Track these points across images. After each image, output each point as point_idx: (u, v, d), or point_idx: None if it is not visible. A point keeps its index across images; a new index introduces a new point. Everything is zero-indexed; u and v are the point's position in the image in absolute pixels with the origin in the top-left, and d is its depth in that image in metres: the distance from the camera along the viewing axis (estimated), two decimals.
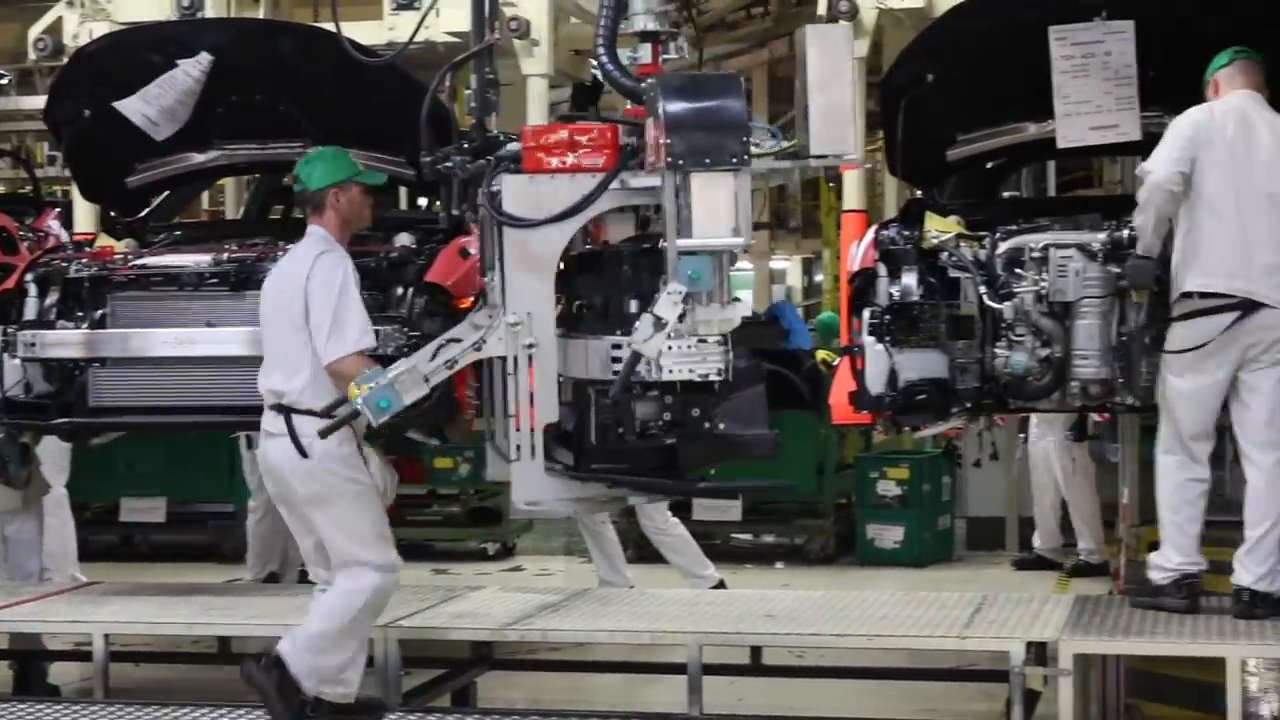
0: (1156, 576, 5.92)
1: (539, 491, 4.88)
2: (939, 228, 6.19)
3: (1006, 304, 6.02)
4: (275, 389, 5.43)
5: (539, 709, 6.10)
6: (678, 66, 4.96)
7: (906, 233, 6.23)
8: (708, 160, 4.47)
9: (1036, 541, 9.74)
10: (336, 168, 5.54)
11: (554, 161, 4.72)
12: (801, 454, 10.21)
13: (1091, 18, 6.08)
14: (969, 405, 6.13)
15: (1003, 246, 6.12)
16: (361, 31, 7.01)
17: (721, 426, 4.79)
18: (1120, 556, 7.43)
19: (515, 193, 4.79)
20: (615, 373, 4.68)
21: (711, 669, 5.91)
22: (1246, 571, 5.81)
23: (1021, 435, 9.41)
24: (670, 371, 4.66)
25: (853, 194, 6.57)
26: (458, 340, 4.95)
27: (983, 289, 6.04)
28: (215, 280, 6.44)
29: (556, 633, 6.06)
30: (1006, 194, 7.75)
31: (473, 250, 6.10)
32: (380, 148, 6.55)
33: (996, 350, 6.03)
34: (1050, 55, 6.07)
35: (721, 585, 7.96)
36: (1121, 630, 5.61)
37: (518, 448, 4.85)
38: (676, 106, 4.49)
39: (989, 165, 6.90)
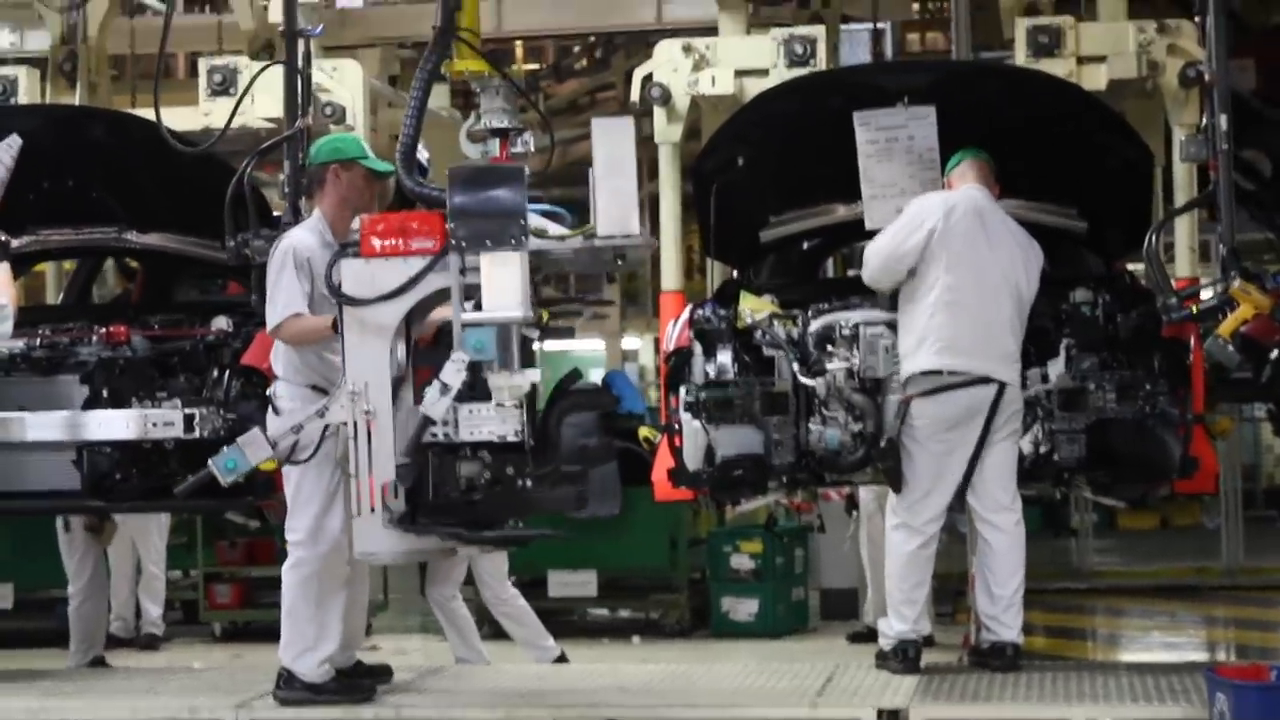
0: (883, 643, 6.18)
1: (376, 544, 5.27)
2: (753, 307, 6.32)
3: (819, 380, 6.16)
4: None
5: None
6: (523, 157, 5.38)
7: (721, 312, 6.34)
8: (488, 242, 4.96)
9: (868, 614, 9.81)
10: (343, 147, 5.83)
11: (386, 244, 5.18)
12: (655, 528, 10.24)
13: (894, 103, 6.26)
14: (785, 480, 6.21)
15: (815, 324, 6.29)
16: (177, 117, 7.00)
17: (528, 484, 5.20)
18: (970, 625, 7.54)
19: (353, 275, 5.22)
20: (431, 435, 5.14)
21: None
22: (1007, 628, 6.09)
23: (853, 511, 9.51)
24: (471, 433, 5.13)
25: (670, 274, 6.71)
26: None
27: (796, 366, 6.16)
28: (25, 366, 6.42)
29: (411, 710, 6.00)
30: (831, 275, 7.91)
31: None
32: (196, 233, 6.56)
33: (811, 426, 6.16)
34: (856, 140, 6.22)
35: (563, 658, 7.95)
36: (970, 696, 5.72)
37: (357, 505, 5.23)
38: (461, 195, 4.98)
39: (805, 246, 7.03)
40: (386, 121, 8.09)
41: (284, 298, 5.66)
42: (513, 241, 4.98)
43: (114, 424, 6.26)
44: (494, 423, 5.13)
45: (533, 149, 5.37)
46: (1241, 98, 5.97)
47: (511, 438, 5.13)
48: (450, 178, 5.00)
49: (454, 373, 5.04)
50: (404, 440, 5.24)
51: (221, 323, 6.45)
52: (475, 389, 5.19)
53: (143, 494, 6.45)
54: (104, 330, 6.43)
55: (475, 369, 5.09)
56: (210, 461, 5.32)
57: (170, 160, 6.26)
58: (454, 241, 4.96)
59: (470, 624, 7.90)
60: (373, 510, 5.21)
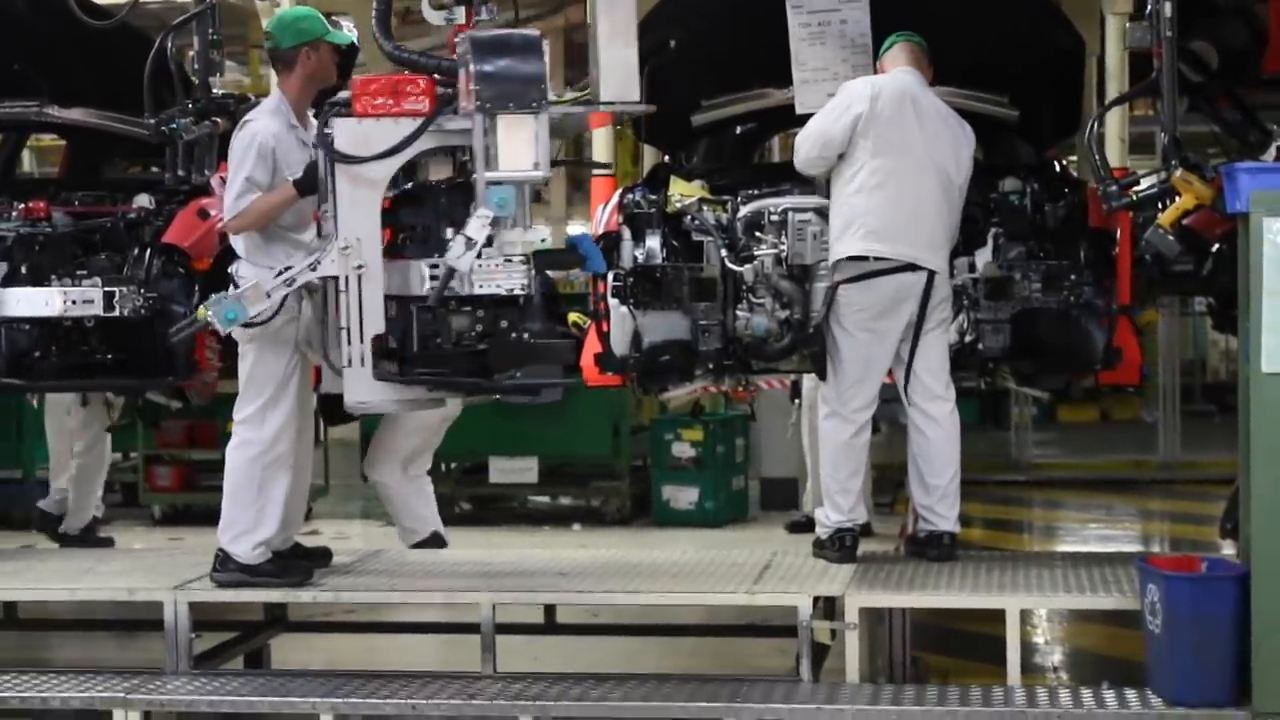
0: (819, 532, 6.21)
1: (368, 394, 5.43)
2: (683, 192, 6.28)
3: (747, 267, 6.13)
4: None
5: (332, 670, 6.06)
6: (488, 24, 5.41)
7: (651, 197, 6.28)
8: (511, 105, 5.13)
9: (806, 503, 9.88)
10: (309, 27, 5.83)
11: (379, 104, 5.32)
12: (597, 416, 10.29)
13: None
14: (711, 367, 6.21)
15: (743, 210, 6.25)
16: None
17: (526, 336, 5.40)
18: (909, 514, 7.59)
19: (347, 134, 5.34)
20: (431, 289, 5.32)
21: (505, 628, 5.96)
22: (943, 519, 6.11)
23: (796, 400, 9.53)
24: (480, 286, 5.30)
25: (601, 157, 6.63)
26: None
27: (724, 252, 6.13)
28: None
29: (350, 594, 6.06)
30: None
31: (213, 211, 6.11)
32: (117, 107, 6.45)
33: (738, 313, 6.14)
34: (788, 23, 6.15)
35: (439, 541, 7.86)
36: (906, 584, 5.76)
37: (349, 357, 5.36)
38: (485, 59, 5.14)
39: (738, 131, 6.97)
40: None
41: (240, 187, 5.63)
42: (534, 105, 5.15)
43: (33, 301, 6.23)
44: (502, 276, 5.28)
45: (495, 18, 5.45)
46: None
47: (518, 291, 5.31)
48: (472, 43, 5.15)
49: (479, 228, 5.20)
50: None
51: (143, 200, 6.40)
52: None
53: (62, 372, 6.43)
54: (23, 206, 6.35)
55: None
56: (207, 310, 5.34)
57: (92, 34, 6.15)
58: (480, 103, 5.13)
59: (431, 502, 7.80)
60: (363, 363, 5.35)
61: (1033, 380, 6.52)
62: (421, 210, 5.57)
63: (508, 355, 5.38)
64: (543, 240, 5.35)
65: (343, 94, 5.40)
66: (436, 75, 5.34)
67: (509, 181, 5.20)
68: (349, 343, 5.36)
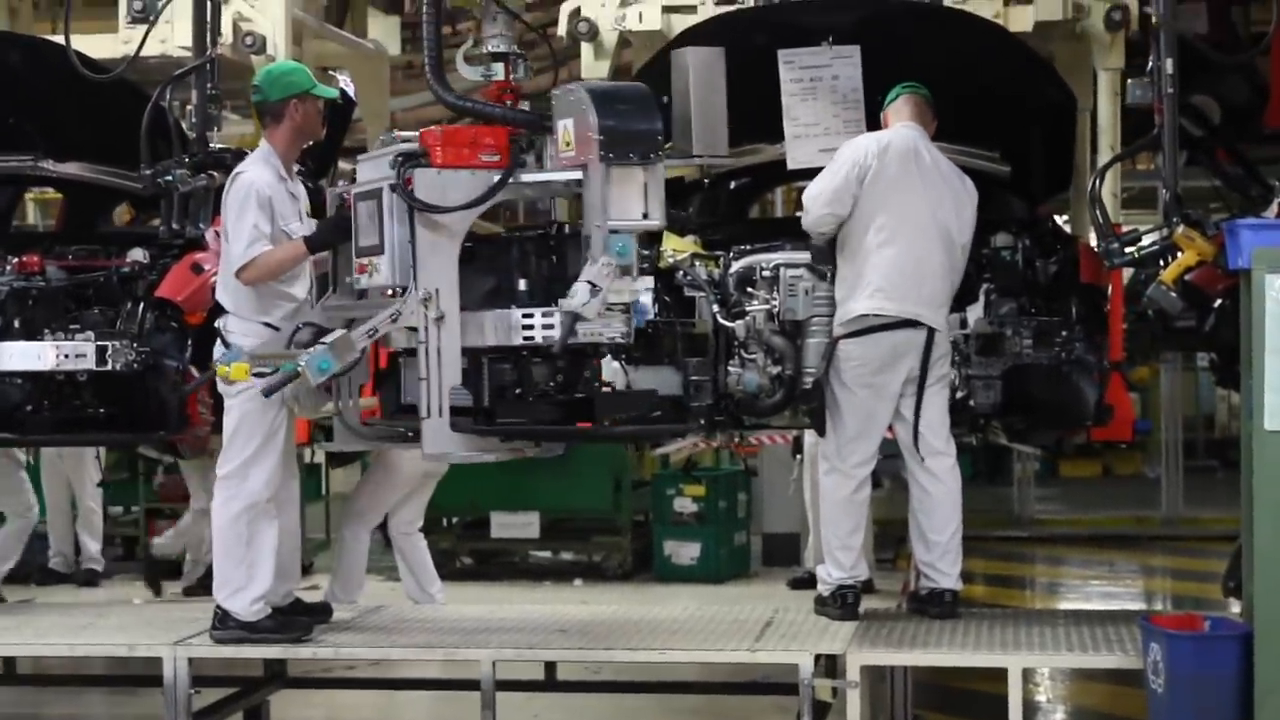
0: (821, 589, 6.18)
1: (446, 445, 5.46)
2: (675, 247, 6.27)
3: (739, 322, 6.13)
4: None
5: None
6: (524, 80, 5.66)
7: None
8: (632, 155, 5.26)
9: (808, 559, 9.83)
10: (296, 80, 5.87)
11: (458, 155, 5.41)
12: (598, 470, 10.26)
13: (819, 42, 6.21)
14: (703, 422, 6.19)
15: (735, 266, 6.25)
16: (98, 45, 6.94)
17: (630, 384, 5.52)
18: (910, 571, 7.56)
19: (426, 184, 5.37)
20: (527, 338, 5.36)
21: (506, 685, 5.95)
22: (945, 575, 6.09)
23: (798, 455, 9.51)
24: (583, 335, 5.34)
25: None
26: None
27: (716, 308, 6.12)
28: None
29: (349, 649, 6.04)
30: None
31: (207, 266, 6.13)
32: (111, 161, 6.50)
33: (730, 368, 6.13)
34: (780, 79, 6.16)
35: None
36: (908, 642, 5.73)
37: (427, 408, 5.40)
38: (608, 112, 5.26)
39: (732, 186, 6.99)
40: (313, 53, 7.97)
41: (249, 235, 5.66)
42: (651, 156, 5.29)
43: (25, 355, 6.22)
44: (604, 325, 5.35)
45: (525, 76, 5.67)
46: (1187, 42, 5.94)
47: (620, 340, 5.38)
48: (592, 96, 5.27)
49: (602, 274, 5.25)
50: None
51: (137, 254, 6.40)
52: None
53: (55, 426, 6.41)
54: (17, 260, 6.37)
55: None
56: (301, 362, 5.32)
57: (89, 88, 6.18)
58: (603, 154, 5.23)
59: (426, 560, 7.82)
60: (440, 413, 5.37)
61: (1024, 436, 6.50)
62: (495, 263, 5.62)
63: (615, 404, 5.41)
64: (648, 289, 5.47)
65: (407, 145, 5.45)
66: (512, 126, 5.43)
67: (628, 230, 5.30)
68: (427, 393, 5.38)
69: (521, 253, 5.56)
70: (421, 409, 5.40)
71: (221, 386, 5.66)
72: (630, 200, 5.28)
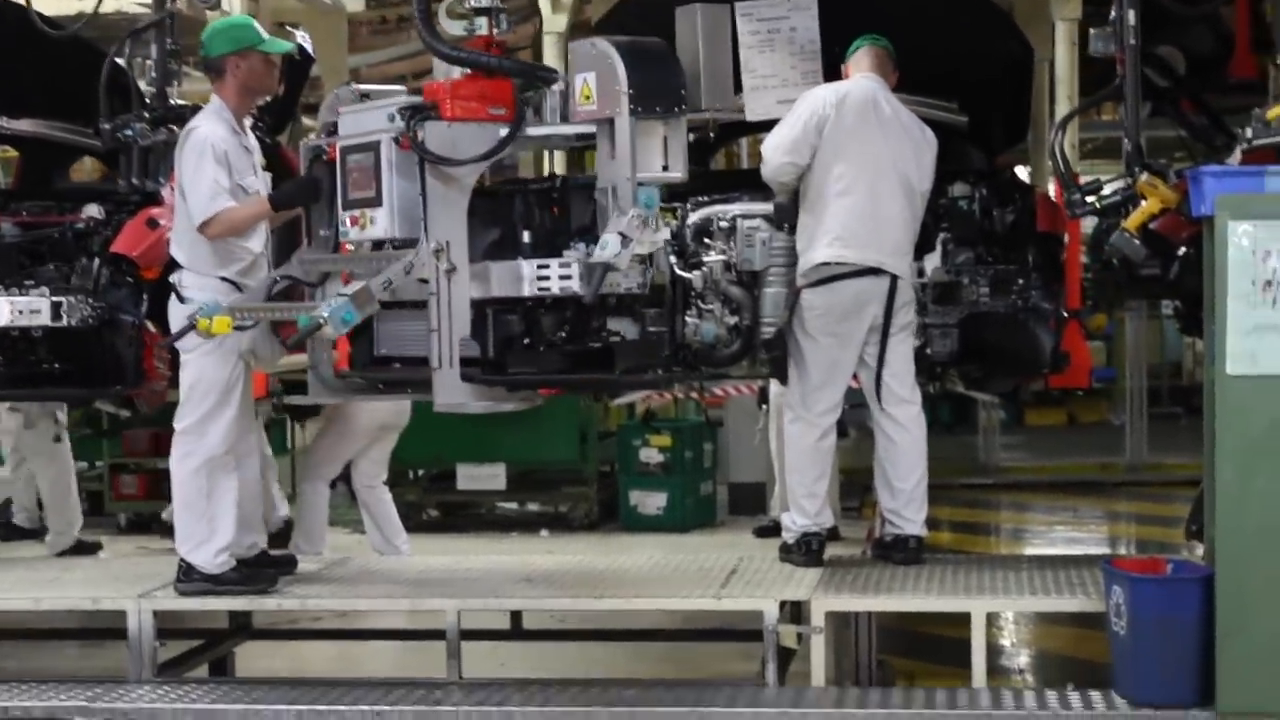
0: (786, 536, 6.23)
1: (458, 395, 5.49)
2: None
3: (696, 273, 6.13)
4: None
5: (297, 677, 6.09)
6: (507, 34, 5.65)
7: None
8: (658, 109, 5.33)
9: (773, 508, 9.87)
10: (238, 36, 5.78)
11: (468, 108, 5.43)
12: (565, 422, 10.26)
13: None
14: (661, 372, 6.21)
15: (693, 217, 6.26)
16: (53, 3, 6.88)
17: (651, 333, 5.65)
18: (876, 518, 7.61)
19: (437, 137, 5.38)
20: (542, 289, 5.44)
21: (471, 634, 5.98)
22: (909, 522, 6.14)
23: (764, 405, 9.53)
24: (605, 286, 5.39)
25: (557, 163, 6.63)
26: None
27: (673, 259, 6.13)
28: None
29: (315, 601, 6.08)
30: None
31: (162, 221, 6.10)
32: (68, 118, 6.45)
33: (687, 319, 6.14)
34: (737, 30, 6.16)
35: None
36: (872, 588, 5.78)
37: (437, 358, 5.43)
38: (637, 66, 5.33)
39: (691, 138, 6.97)
40: (270, 8, 7.92)
41: (210, 189, 5.65)
42: (676, 110, 5.37)
43: None
44: (622, 275, 5.43)
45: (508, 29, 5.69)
46: None
47: (635, 290, 5.49)
48: (618, 48, 5.31)
49: (633, 226, 5.28)
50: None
51: (92, 210, 6.37)
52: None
53: (9, 381, 6.40)
54: None
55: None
56: (325, 314, 5.27)
57: (45, 46, 6.12)
58: (633, 108, 5.28)
59: (391, 513, 7.84)
60: (451, 364, 5.39)
61: (981, 384, 6.57)
62: (502, 214, 5.66)
63: (632, 353, 5.53)
64: (667, 240, 5.55)
65: (412, 98, 5.46)
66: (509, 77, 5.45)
67: (654, 182, 5.35)
68: (438, 344, 5.42)
69: (525, 205, 5.61)
70: (432, 360, 5.43)
71: (180, 342, 5.64)
72: (652, 153, 5.36)
